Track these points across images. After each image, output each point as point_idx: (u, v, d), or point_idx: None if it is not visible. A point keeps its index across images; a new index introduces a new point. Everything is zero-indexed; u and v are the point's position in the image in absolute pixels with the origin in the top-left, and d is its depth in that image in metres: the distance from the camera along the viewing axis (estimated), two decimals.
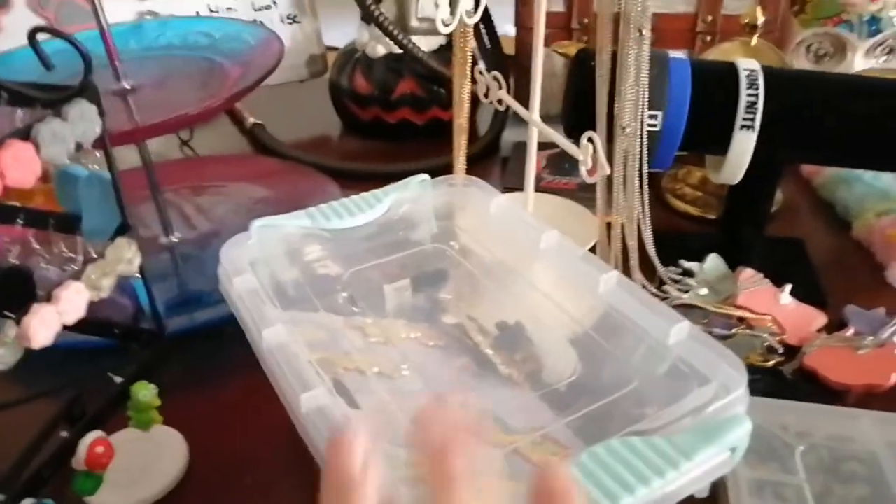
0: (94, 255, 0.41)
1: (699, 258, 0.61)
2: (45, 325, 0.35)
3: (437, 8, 0.41)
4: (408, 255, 0.49)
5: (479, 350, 0.44)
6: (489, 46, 0.88)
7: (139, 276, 0.45)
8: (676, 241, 0.66)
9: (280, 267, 0.46)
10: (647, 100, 0.51)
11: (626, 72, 0.50)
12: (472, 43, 0.55)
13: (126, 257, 0.41)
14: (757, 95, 0.52)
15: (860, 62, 0.82)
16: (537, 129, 0.54)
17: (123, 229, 0.42)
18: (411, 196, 0.49)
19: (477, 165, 0.82)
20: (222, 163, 0.78)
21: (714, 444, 0.29)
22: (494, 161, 0.84)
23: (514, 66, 0.86)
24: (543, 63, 0.87)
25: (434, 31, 0.86)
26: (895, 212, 0.65)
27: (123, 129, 0.54)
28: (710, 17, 0.80)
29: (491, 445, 0.31)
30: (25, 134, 0.34)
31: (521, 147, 0.79)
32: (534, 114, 0.54)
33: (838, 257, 0.65)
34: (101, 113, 0.39)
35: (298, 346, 0.36)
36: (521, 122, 0.55)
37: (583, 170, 0.48)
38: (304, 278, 0.46)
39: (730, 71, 0.54)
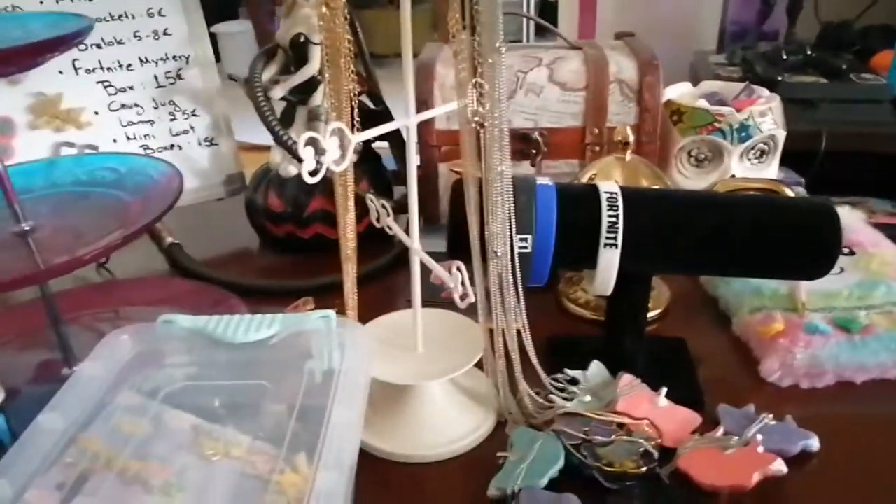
0: None
1: (589, 363, 0.64)
2: None
3: (302, 163, 0.45)
4: (293, 382, 0.52)
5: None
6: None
7: None
8: (570, 346, 0.70)
9: (171, 360, 0.52)
10: (513, 227, 0.55)
11: (492, 203, 0.54)
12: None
13: None
14: (617, 216, 0.57)
15: (736, 165, 0.90)
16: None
17: None
18: (311, 327, 0.53)
19: (389, 275, 0.85)
20: (133, 287, 0.80)
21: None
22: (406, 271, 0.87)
23: (421, 182, 0.91)
24: (446, 179, 0.92)
25: None
26: (767, 308, 0.70)
27: (25, 273, 0.56)
28: (596, 130, 0.87)
29: None
30: None
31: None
32: (415, 242, 0.57)
33: (718, 355, 0.69)
34: None
35: (53, 434, 0.41)
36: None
37: (456, 297, 0.51)
38: (186, 376, 0.52)
39: (592, 194, 0.59)
